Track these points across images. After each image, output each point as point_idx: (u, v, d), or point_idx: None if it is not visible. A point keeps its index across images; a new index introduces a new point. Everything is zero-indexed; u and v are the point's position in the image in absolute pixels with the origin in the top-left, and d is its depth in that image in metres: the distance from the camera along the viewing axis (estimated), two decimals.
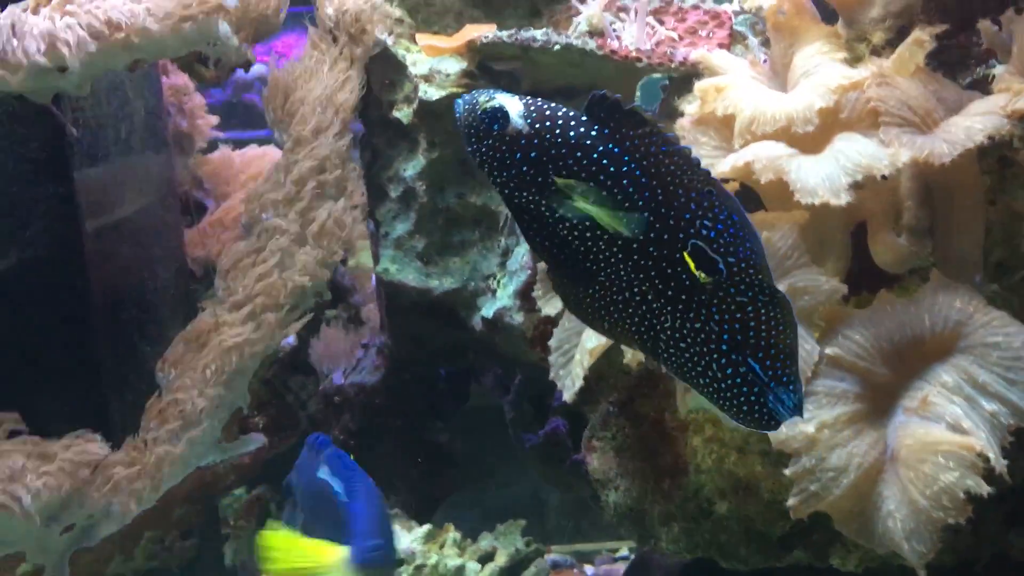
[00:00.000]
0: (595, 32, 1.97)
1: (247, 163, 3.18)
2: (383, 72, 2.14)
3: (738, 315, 1.13)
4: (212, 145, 3.12)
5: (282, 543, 1.65)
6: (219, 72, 1.90)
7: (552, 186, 1.16)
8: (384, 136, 2.20)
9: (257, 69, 2.52)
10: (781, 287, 1.48)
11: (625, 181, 1.13)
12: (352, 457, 1.73)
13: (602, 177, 1.14)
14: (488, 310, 2.08)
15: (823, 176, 1.44)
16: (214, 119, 3.11)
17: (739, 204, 1.13)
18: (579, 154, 1.14)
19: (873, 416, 1.48)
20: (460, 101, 1.19)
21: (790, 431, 1.46)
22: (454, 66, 2.08)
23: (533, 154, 1.15)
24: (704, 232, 1.12)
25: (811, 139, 1.53)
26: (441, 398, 2.59)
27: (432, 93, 2.04)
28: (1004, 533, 1.57)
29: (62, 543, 1.85)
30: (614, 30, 1.96)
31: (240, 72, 2.02)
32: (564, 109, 1.16)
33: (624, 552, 2.81)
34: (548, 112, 1.16)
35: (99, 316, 2.08)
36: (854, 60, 1.69)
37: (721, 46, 1.94)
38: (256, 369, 1.87)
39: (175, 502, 2.14)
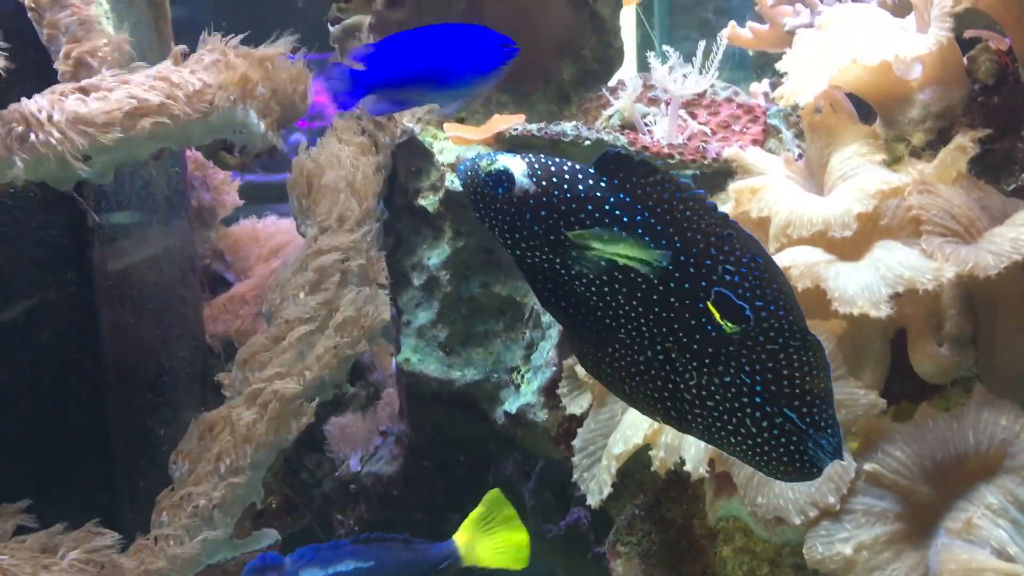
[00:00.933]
0: (626, 125, 1.94)
1: (269, 236, 3.17)
2: (409, 159, 2.12)
3: (770, 364, 1.08)
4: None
5: None
6: (244, 159, 1.88)
7: (566, 242, 1.12)
8: (409, 223, 2.18)
9: None
10: None
11: (640, 231, 1.09)
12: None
13: (615, 228, 1.10)
14: (511, 405, 2.03)
15: (862, 286, 1.40)
16: (236, 193, 3.11)
17: (761, 245, 1.08)
18: (590, 207, 1.10)
19: (914, 537, 1.41)
20: (461, 167, 1.15)
21: (827, 551, 1.40)
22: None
23: (543, 212, 1.11)
24: (727, 277, 1.07)
25: (849, 245, 1.49)
26: (460, 486, 2.53)
27: (459, 184, 2.02)
28: None
29: None
30: (646, 123, 1.93)
31: None
32: (570, 163, 1.12)
33: None
34: (554, 168, 1.12)
35: (113, 400, 2.05)
36: (893, 161, 1.65)
37: (755, 142, 1.91)
38: (271, 463, 1.82)
39: None
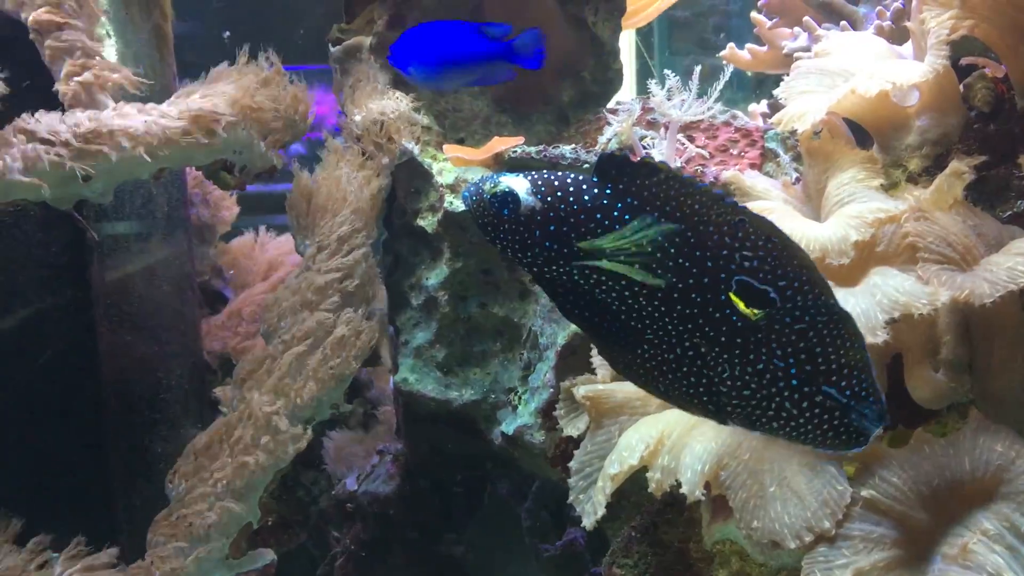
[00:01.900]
0: (624, 148, 1.95)
1: (267, 252, 3.18)
2: (409, 180, 2.13)
3: (801, 344, 1.08)
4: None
5: None
6: (244, 178, 1.88)
7: (579, 253, 1.12)
8: (407, 243, 2.18)
9: None
10: None
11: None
12: None
13: None
14: (508, 426, 2.03)
15: (859, 312, 1.40)
16: (237, 208, 3.11)
17: (774, 225, 1.09)
18: (599, 216, 1.11)
19: (911, 563, 1.41)
20: (466, 192, 1.16)
21: None
22: (481, 176, 2.06)
23: (552, 227, 1.12)
24: (746, 264, 1.08)
25: (845, 271, 1.50)
26: (456, 506, 2.53)
27: (458, 205, 2.02)
28: None
29: None
30: (644, 146, 1.94)
31: None
32: (572, 175, 1.13)
33: None
34: (557, 183, 1.13)
35: (110, 418, 2.05)
36: (890, 187, 1.66)
37: (752, 165, 1.91)
38: (267, 483, 1.82)
39: None
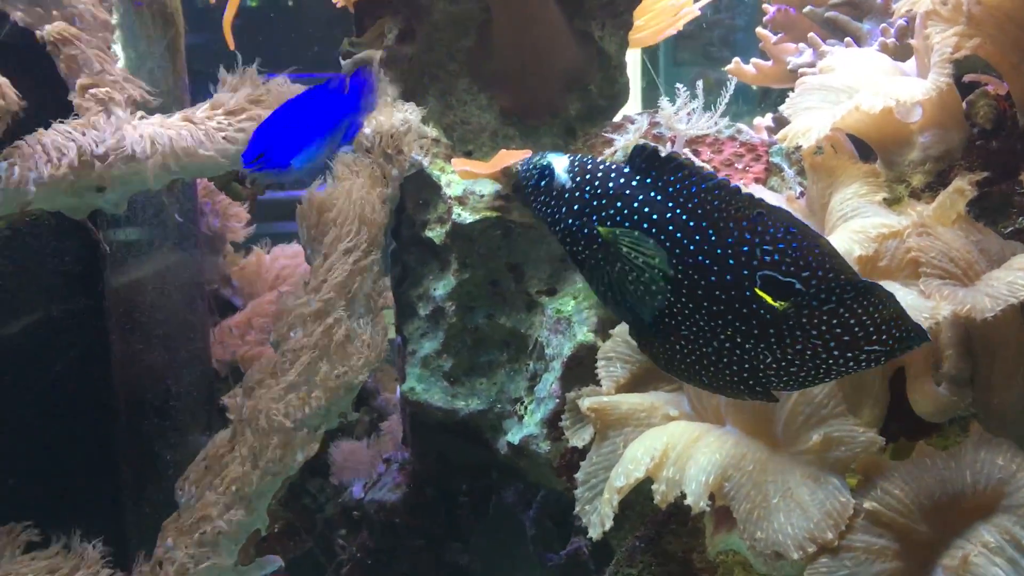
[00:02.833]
0: None
1: (277, 262, 3.21)
2: (417, 191, 2.15)
3: (835, 322, 1.12)
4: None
5: None
6: (255, 189, 1.91)
7: (599, 238, 1.17)
8: (415, 254, 2.20)
9: None
10: (816, 436, 1.46)
11: (671, 227, 1.14)
12: None
13: (645, 225, 1.15)
14: (514, 436, 2.05)
15: None
16: (247, 217, 3.14)
17: (792, 215, 1.12)
18: (619, 204, 1.16)
19: (912, 574, 1.43)
20: (521, 164, 1.25)
21: None
22: (488, 188, 2.09)
23: (576, 207, 1.18)
24: (767, 258, 1.11)
25: None
26: (462, 514, 2.55)
27: (466, 217, 2.05)
28: None
29: None
30: None
31: None
32: (607, 163, 1.19)
33: None
34: (590, 166, 1.19)
35: (121, 426, 2.07)
36: (893, 202, 1.67)
37: (757, 180, 1.93)
38: (276, 490, 1.84)
39: None
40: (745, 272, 1.11)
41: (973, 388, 1.53)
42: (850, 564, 1.41)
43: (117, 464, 2.06)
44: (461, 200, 2.07)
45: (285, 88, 1.90)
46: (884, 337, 1.13)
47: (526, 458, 2.05)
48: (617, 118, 2.31)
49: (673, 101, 2.00)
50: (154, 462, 2.20)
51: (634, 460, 1.59)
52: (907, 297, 1.44)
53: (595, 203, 1.17)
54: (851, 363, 1.15)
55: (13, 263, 1.88)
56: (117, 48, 2.02)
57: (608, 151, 2.01)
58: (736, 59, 2.55)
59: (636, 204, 1.15)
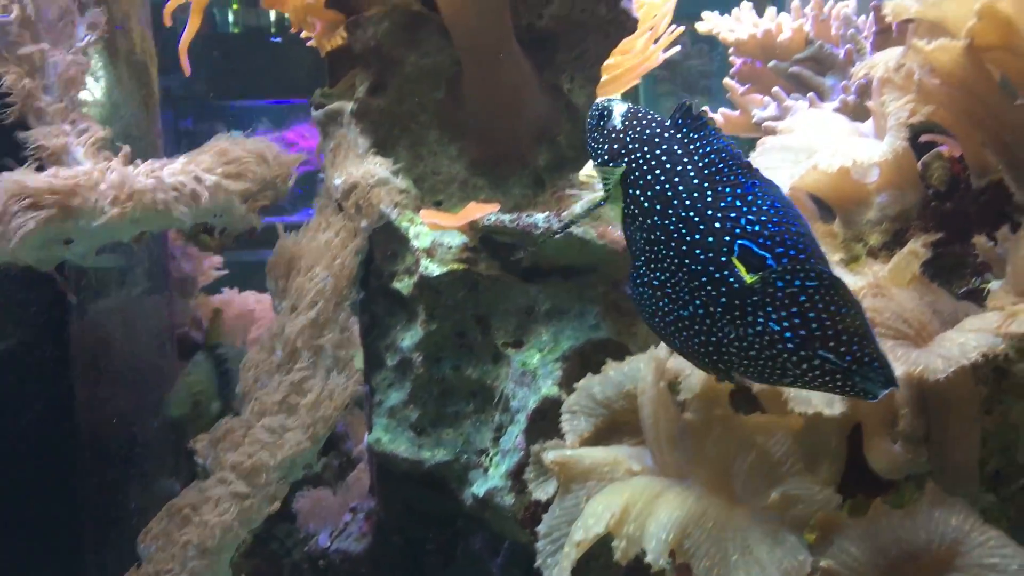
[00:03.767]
0: (595, 217, 2.00)
1: (246, 306, 3.21)
2: (386, 243, 2.16)
3: (794, 309, 1.13)
4: None
5: None
6: (224, 240, 1.92)
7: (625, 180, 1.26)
8: (383, 305, 2.21)
9: None
10: (775, 494, 1.47)
11: (676, 179, 1.21)
12: None
13: (658, 172, 1.23)
14: (480, 488, 2.05)
15: None
16: (218, 260, 3.14)
17: (780, 190, 1.17)
18: (646, 148, 1.25)
19: None
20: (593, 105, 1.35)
21: None
22: (456, 239, 2.10)
23: (616, 146, 1.27)
24: (749, 228, 1.15)
25: None
26: (429, 563, 2.53)
27: (433, 269, 2.06)
28: None
29: None
30: None
31: None
32: (657, 116, 1.29)
33: None
34: (640, 114, 1.29)
35: (84, 475, 2.06)
36: (851, 260, 1.71)
37: None
38: (239, 543, 1.83)
39: None
40: (727, 238, 1.16)
41: (928, 446, 1.55)
42: None
43: (80, 513, 2.04)
44: (429, 252, 2.09)
45: (263, 147, 1.91)
46: (842, 349, 1.13)
47: (491, 510, 2.05)
48: (587, 168, 2.33)
49: None
50: (118, 510, 2.18)
51: (595, 515, 1.60)
52: None
53: (631, 145, 1.26)
54: (804, 366, 1.15)
55: None
56: (93, 93, 2.03)
57: (574, 208, 2.03)
58: (704, 108, 2.59)
59: (658, 151, 1.23)
